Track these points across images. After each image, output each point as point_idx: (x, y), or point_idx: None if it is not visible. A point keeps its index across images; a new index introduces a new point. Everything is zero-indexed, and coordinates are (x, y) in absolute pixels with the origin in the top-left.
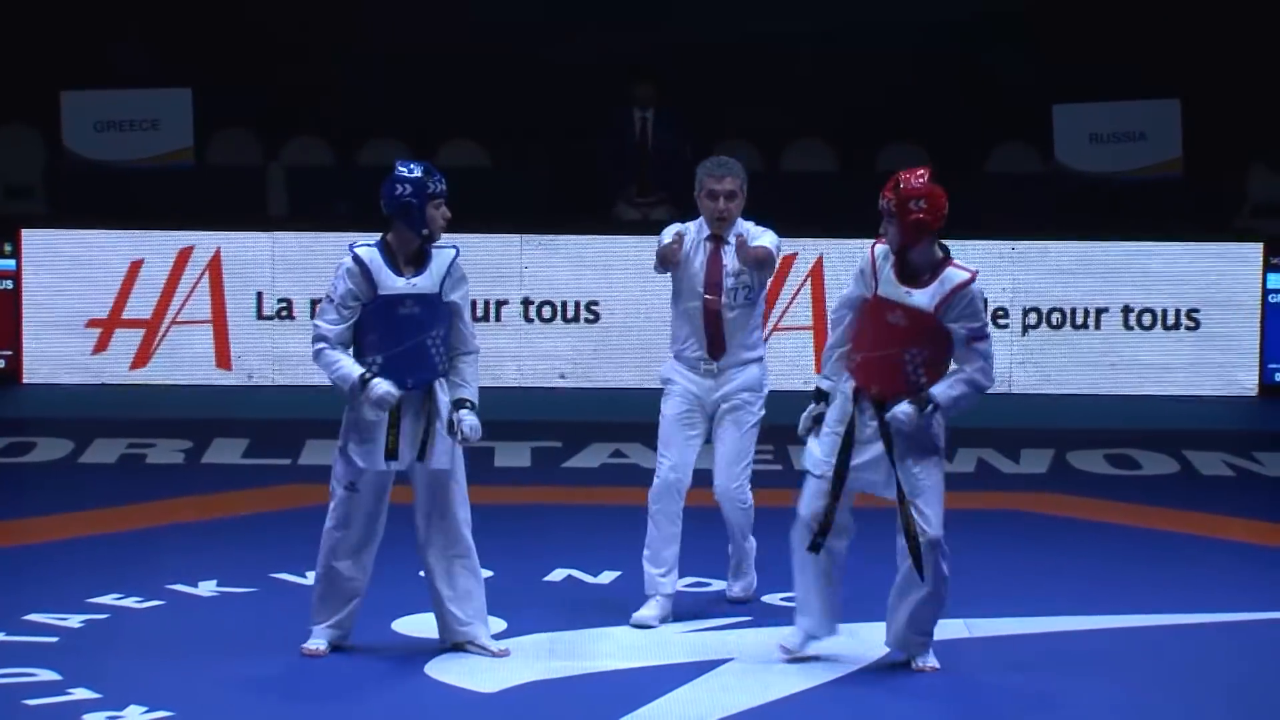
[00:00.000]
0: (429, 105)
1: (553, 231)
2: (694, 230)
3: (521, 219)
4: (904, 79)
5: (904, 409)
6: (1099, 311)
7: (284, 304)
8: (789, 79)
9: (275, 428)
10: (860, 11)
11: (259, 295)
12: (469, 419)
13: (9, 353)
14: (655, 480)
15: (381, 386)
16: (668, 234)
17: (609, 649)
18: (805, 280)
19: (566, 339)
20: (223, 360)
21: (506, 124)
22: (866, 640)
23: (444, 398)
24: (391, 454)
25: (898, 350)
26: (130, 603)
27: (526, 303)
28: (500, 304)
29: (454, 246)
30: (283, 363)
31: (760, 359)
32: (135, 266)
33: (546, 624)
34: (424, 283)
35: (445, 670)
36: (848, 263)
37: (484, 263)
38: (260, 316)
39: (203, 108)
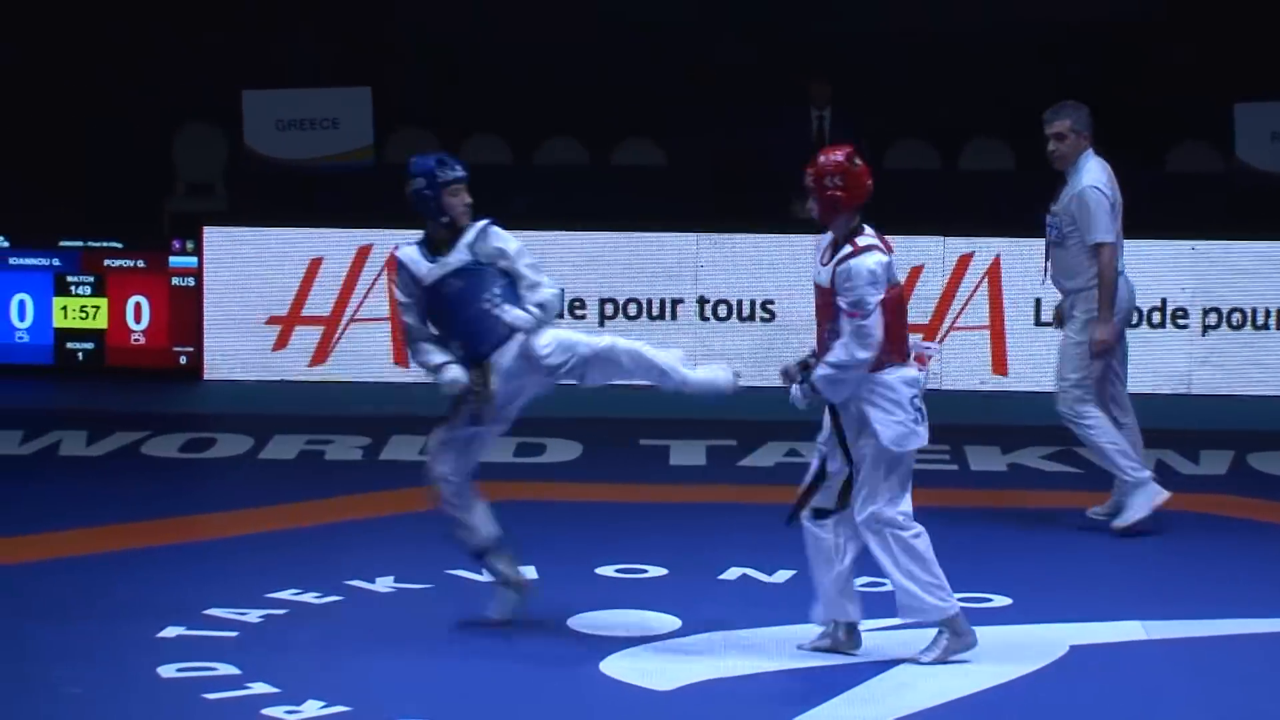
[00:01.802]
0: (605, 104)
1: (727, 230)
2: None
3: (697, 218)
4: (1084, 76)
5: (795, 391)
6: None
7: None
8: (964, 77)
9: None
10: (1035, 7)
11: None
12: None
13: (190, 349)
14: None
15: (448, 374)
16: None
17: (784, 648)
18: (982, 280)
19: (742, 338)
20: (400, 357)
21: (681, 122)
22: (1040, 642)
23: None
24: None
25: (823, 328)
26: (309, 598)
27: (702, 301)
28: (676, 303)
29: (485, 219)
30: None
31: (1084, 288)
32: (315, 264)
33: (721, 622)
34: (454, 258)
35: (620, 668)
36: (1025, 262)
37: (659, 261)
38: None
39: (382, 106)
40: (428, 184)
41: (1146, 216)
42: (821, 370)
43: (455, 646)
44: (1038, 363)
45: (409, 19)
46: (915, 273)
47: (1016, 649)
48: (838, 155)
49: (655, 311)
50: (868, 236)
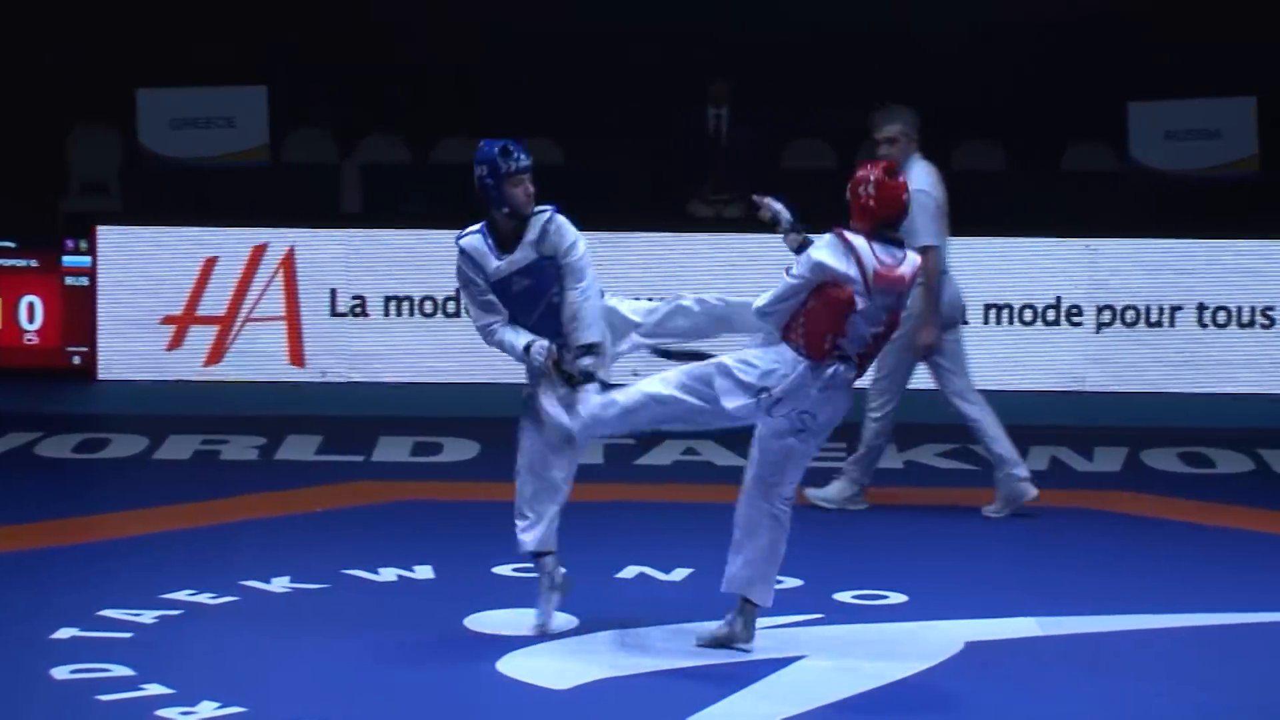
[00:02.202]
0: (504, 103)
1: (625, 229)
2: None
3: (594, 217)
4: (980, 76)
5: None
6: (1174, 309)
7: (357, 301)
8: (866, 78)
9: (348, 424)
10: (937, 10)
11: (333, 292)
12: (580, 362)
13: (84, 349)
14: None
15: (538, 353)
16: None
17: (681, 646)
18: None
19: None
20: (296, 357)
21: (580, 122)
22: (935, 639)
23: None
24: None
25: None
26: (204, 598)
27: None
28: None
29: (551, 207)
30: (356, 360)
31: None
32: (209, 263)
33: (619, 621)
34: (520, 255)
35: (517, 667)
36: None
37: None
38: (334, 314)
39: (279, 106)
40: (489, 172)
41: (1044, 215)
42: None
43: (352, 646)
44: None
45: (307, 19)
46: None
47: (912, 646)
48: (876, 168)
49: None
50: (861, 237)
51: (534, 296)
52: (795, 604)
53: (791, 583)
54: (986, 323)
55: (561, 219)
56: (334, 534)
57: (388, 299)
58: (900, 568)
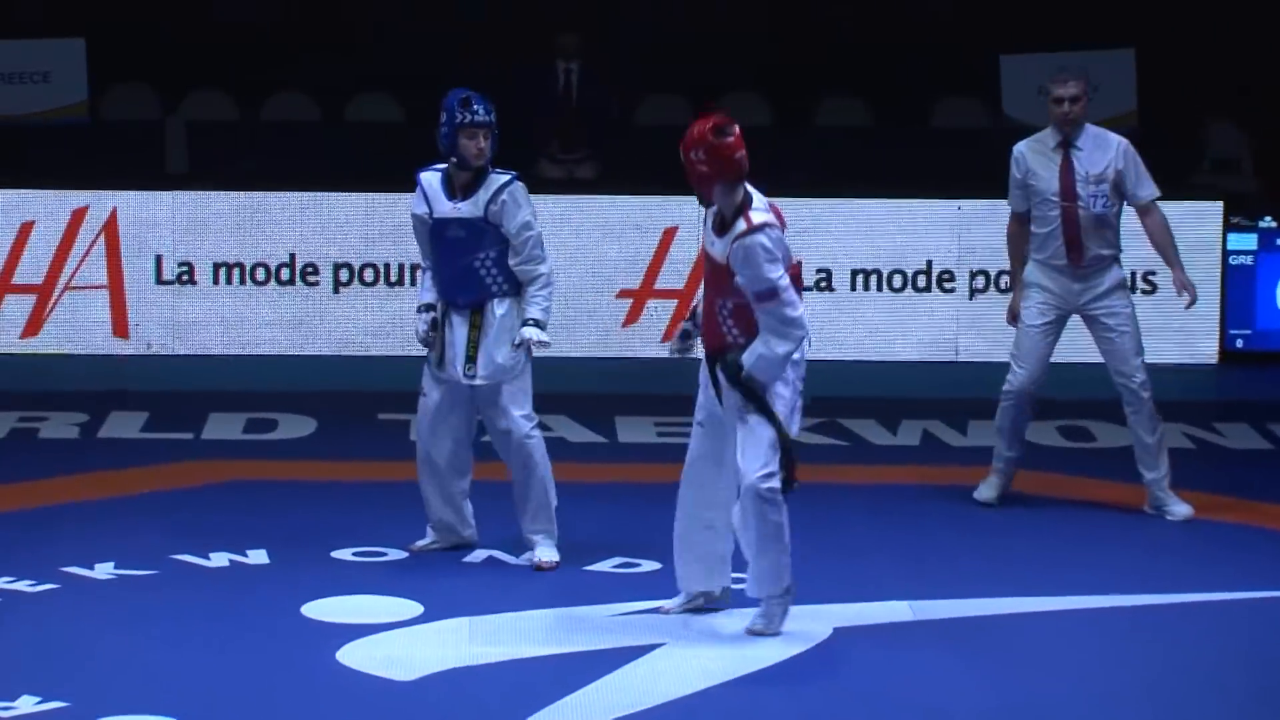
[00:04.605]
0: (340, 57)
1: None
2: (1043, 140)
3: None
4: (843, 31)
5: (721, 376)
6: None
7: (185, 268)
8: (723, 31)
9: (176, 400)
10: None
11: (158, 258)
12: (529, 331)
13: None
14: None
15: (419, 324)
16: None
17: (533, 634)
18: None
19: None
20: (120, 328)
21: (421, 77)
22: (805, 623)
23: (498, 315)
24: (439, 363)
25: (713, 300)
26: (22, 586)
27: None
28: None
29: (512, 174)
30: (184, 330)
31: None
32: (26, 228)
33: (467, 607)
34: (468, 208)
35: (358, 657)
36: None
37: (397, 222)
38: (160, 281)
39: (98, 59)
40: (447, 120)
41: (909, 173)
42: (752, 359)
43: (181, 636)
44: None
45: None
46: (670, 234)
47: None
48: (701, 128)
49: (394, 276)
50: (759, 210)
51: (461, 251)
52: (655, 589)
53: (650, 566)
54: (854, 289)
55: (518, 191)
56: (162, 517)
57: (217, 265)
58: None
